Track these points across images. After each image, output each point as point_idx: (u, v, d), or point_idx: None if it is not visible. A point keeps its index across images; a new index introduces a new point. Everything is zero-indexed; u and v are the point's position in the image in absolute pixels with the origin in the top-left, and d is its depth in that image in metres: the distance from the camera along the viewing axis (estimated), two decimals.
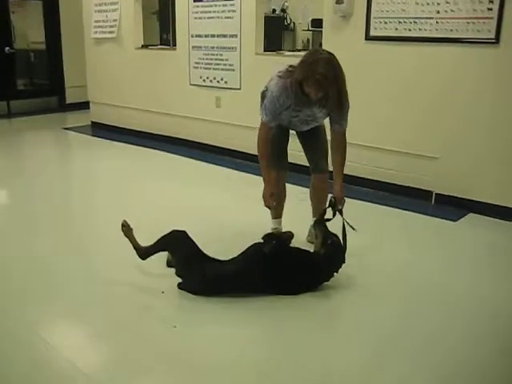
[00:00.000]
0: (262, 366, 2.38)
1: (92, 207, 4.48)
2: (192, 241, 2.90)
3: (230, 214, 4.27)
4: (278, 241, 3.02)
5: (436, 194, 4.72)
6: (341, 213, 3.11)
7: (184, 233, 2.90)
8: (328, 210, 3.14)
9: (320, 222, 3.07)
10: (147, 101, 7.09)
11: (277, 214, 3.54)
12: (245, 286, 2.86)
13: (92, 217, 4.26)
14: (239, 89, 6.01)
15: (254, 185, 5.10)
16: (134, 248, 2.99)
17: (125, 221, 3.05)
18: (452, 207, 4.56)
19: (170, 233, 2.91)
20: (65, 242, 3.68)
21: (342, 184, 3.21)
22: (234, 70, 5.98)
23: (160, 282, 3.01)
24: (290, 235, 3.47)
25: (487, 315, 2.85)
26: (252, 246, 2.97)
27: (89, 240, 3.77)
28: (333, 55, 2.93)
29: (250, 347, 2.53)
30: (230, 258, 2.95)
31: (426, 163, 4.69)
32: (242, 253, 2.95)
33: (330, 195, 3.26)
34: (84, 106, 8.38)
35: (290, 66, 3.08)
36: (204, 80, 6.32)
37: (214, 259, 2.91)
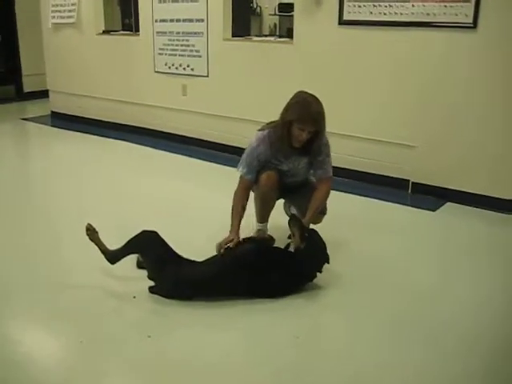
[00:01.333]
0: (243, 374, 2.21)
1: (52, 205, 4.18)
2: (164, 241, 2.69)
3: (203, 209, 4.05)
4: (258, 240, 2.85)
5: (413, 183, 4.61)
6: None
7: (155, 233, 2.69)
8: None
9: (294, 219, 2.91)
10: (110, 89, 6.77)
11: (263, 217, 3.30)
12: (222, 289, 2.67)
13: (52, 215, 3.95)
14: (207, 76, 5.77)
15: (224, 176, 4.94)
16: (102, 252, 2.76)
17: (89, 224, 2.81)
18: (429, 196, 4.46)
19: (140, 233, 2.69)
20: (23, 245, 3.41)
21: (310, 219, 3.08)
22: (200, 57, 5.73)
23: (130, 286, 2.80)
24: (270, 238, 3.29)
25: (479, 309, 2.74)
26: (228, 247, 2.79)
27: (49, 242, 3.49)
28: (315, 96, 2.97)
29: (231, 354, 2.35)
30: (206, 258, 2.75)
31: (403, 152, 4.57)
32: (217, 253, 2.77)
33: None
34: (43, 95, 7.98)
35: (270, 123, 3.13)
36: (169, 67, 6.05)
37: (188, 260, 2.71)
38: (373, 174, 4.74)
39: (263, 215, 3.29)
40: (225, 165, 5.26)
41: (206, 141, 5.91)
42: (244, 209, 3.08)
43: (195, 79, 5.87)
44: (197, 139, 6.01)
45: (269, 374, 2.22)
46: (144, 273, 2.82)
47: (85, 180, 4.81)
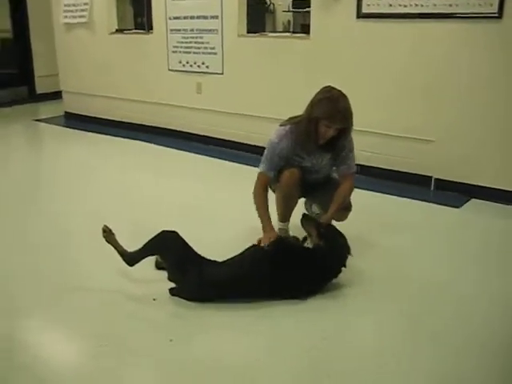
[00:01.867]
0: (268, 379, 2.11)
1: (66, 206, 4.08)
2: (184, 241, 2.60)
3: (223, 209, 3.95)
4: (279, 239, 2.75)
5: (435, 179, 4.48)
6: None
7: (175, 233, 2.60)
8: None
9: (307, 217, 2.86)
10: (123, 88, 6.69)
11: (285, 216, 3.18)
12: (245, 290, 2.56)
13: (66, 217, 3.84)
14: (221, 73, 5.67)
15: (244, 176, 4.84)
16: (120, 254, 2.67)
17: (105, 226, 2.72)
18: (453, 193, 4.34)
19: (160, 234, 2.60)
20: (38, 247, 3.33)
21: (332, 215, 2.99)
22: (215, 54, 5.64)
23: (150, 288, 2.71)
24: (294, 237, 3.18)
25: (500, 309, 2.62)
26: (252, 245, 2.69)
27: (65, 244, 3.40)
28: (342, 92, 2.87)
29: (256, 358, 2.24)
30: (227, 258, 2.66)
31: (423, 147, 4.44)
32: (240, 253, 2.67)
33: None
34: (56, 95, 7.94)
35: (292, 118, 3.03)
36: (184, 65, 5.96)
37: (210, 261, 2.62)
38: (393, 170, 4.62)
39: (285, 214, 3.18)
40: (242, 163, 5.18)
41: (222, 139, 5.82)
42: (268, 207, 2.99)
43: (210, 77, 5.78)
44: (212, 138, 5.92)
45: (297, 376, 2.12)
46: (163, 274, 2.73)
47: (99, 181, 4.74)
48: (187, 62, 5.92)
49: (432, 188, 4.50)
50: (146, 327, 2.43)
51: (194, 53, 5.82)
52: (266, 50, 5.29)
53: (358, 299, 2.70)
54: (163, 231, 2.59)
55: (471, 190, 4.29)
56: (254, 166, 5.04)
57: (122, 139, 6.25)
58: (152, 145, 5.96)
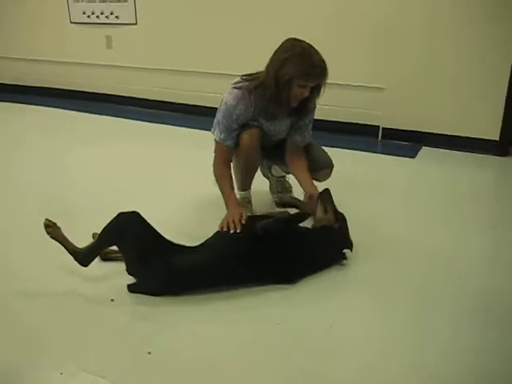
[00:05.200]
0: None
1: None
2: (148, 224, 2.09)
3: (177, 180, 3.41)
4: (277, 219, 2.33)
5: (383, 128, 4.22)
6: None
7: (135, 215, 2.08)
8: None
9: (326, 193, 2.40)
10: (16, 46, 5.81)
11: (246, 183, 2.76)
12: (227, 276, 2.13)
13: None
14: (135, 24, 5.02)
15: (177, 137, 4.35)
16: (70, 253, 2.13)
17: (48, 220, 2.16)
18: (402, 142, 4.12)
19: (116, 218, 2.06)
20: None
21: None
22: (126, 1, 4.96)
23: (105, 287, 2.18)
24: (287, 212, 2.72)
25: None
26: (217, 232, 2.25)
27: None
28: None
29: (245, 354, 1.83)
30: (201, 242, 2.20)
31: (371, 95, 4.15)
32: (216, 233, 2.23)
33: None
34: None
35: (244, 75, 2.55)
36: (89, 16, 5.22)
37: (180, 246, 2.14)
38: (337, 121, 4.29)
39: (246, 181, 2.76)
40: (167, 124, 4.68)
41: (140, 98, 5.22)
42: (231, 178, 2.56)
43: (121, 28, 5.10)
44: (128, 97, 5.30)
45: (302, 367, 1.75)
46: (116, 267, 2.23)
47: (10, 158, 3.99)
48: (93, 13, 5.19)
49: (379, 138, 4.24)
50: (112, 338, 1.94)
51: (100, 1, 5.10)
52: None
53: (346, 276, 2.35)
54: (120, 214, 2.06)
55: (420, 137, 4.09)
56: (178, 126, 4.65)
57: (20, 105, 5.43)
58: (57, 109, 5.22)
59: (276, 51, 2.43)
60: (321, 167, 2.73)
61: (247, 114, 2.52)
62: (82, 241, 2.21)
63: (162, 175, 3.51)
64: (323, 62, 2.36)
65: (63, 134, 4.51)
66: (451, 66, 3.84)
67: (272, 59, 2.42)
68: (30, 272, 2.35)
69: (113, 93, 5.37)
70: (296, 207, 2.49)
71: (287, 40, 2.43)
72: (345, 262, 2.36)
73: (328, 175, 2.77)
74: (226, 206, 2.47)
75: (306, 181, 2.61)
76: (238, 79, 2.57)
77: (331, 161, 2.76)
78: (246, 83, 2.52)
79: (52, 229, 2.13)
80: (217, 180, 2.56)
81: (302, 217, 2.32)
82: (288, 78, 2.34)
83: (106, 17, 5.11)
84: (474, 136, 3.91)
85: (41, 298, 2.16)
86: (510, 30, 3.59)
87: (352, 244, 2.37)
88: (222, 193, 2.53)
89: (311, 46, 2.39)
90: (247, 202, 2.79)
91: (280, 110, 2.51)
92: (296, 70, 2.33)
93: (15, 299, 2.15)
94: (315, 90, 2.45)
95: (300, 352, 1.85)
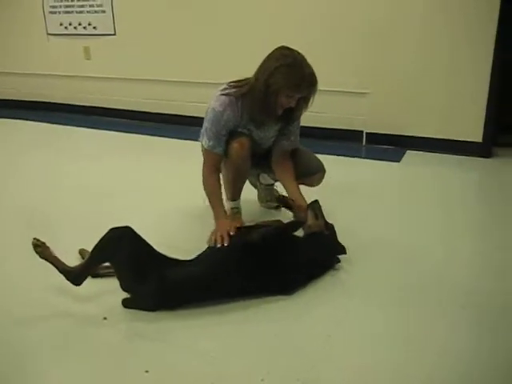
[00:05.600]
0: None
1: None
2: (141, 238, 2.05)
3: (162, 192, 3.35)
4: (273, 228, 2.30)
5: (367, 133, 4.23)
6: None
7: (128, 230, 2.03)
8: None
9: (316, 202, 2.41)
10: None
11: (236, 193, 2.73)
12: (220, 290, 2.09)
13: None
14: (113, 34, 4.97)
15: (153, 147, 4.31)
16: (61, 272, 2.06)
17: (36, 239, 2.09)
18: (386, 146, 4.14)
19: (108, 234, 2.02)
20: None
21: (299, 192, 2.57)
22: (104, 12, 4.91)
23: (96, 305, 2.13)
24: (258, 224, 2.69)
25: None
26: (208, 248, 2.21)
27: None
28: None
29: (243, 368, 1.80)
30: (196, 255, 2.16)
31: (354, 100, 4.16)
32: (210, 247, 2.19)
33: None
34: None
35: (231, 82, 2.51)
36: (66, 27, 5.16)
37: (175, 260, 2.10)
38: (320, 128, 4.28)
39: (236, 191, 2.73)
40: (147, 134, 4.63)
41: (119, 109, 5.17)
42: (221, 190, 2.52)
43: (100, 39, 5.05)
44: (107, 108, 5.24)
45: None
46: (105, 283, 2.19)
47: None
48: (70, 24, 5.12)
49: (364, 143, 4.25)
50: (107, 360, 1.89)
51: (78, 12, 5.04)
52: (165, 3, 4.67)
53: (349, 282, 2.33)
54: (112, 230, 2.01)
55: (404, 141, 4.11)
56: (159, 136, 4.60)
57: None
58: (36, 123, 5.14)
59: (266, 59, 2.39)
60: (313, 172, 2.71)
61: (235, 120, 2.49)
62: (67, 256, 2.16)
63: (147, 187, 3.45)
64: (313, 75, 2.33)
65: (40, 148, 4.42)
66: (433, 70, 3.87)
67: (262, 66, 2.40)
68: (18, 292, 2.28)
69: (91, 104, 5.30)
70: (290, 209, 2.48)
71: (279, 48, 2.39)
72: (338, 265, 2.35)
73: (321, 180, 2.75)
74: (215, 218, 2.44)
75: (293, 191, 2.58)
76: (224, 86, 2.53)
77: (323, 165, 2.74)
78: (234, 90, 2.49)
79: (41, 249, 2.07)
80: (205, 189, 2.52)
81: (298, 224, 2.31)
82: (276, 87, 2.32)
83: (84, 28, 5.05)
84: (458, 138, 3.95)
85: (30, 320, 2.09)
86: (488, 33, 3.63)
87: (344, 248, 2.35)
88: (211, 205, 2.49)
89: (303, 56, 2.36)
90: (237, 211, 2.76)
91: (267, 117, 2.49)
92: (285, 81, 2.30)
93: (1, 322, 2.08)
94: (303, 102, 2.42)
95: (301, 364, 1.82)
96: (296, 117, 2.58)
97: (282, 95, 2.34)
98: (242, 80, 2.51)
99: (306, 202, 2.49)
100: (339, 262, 2.35)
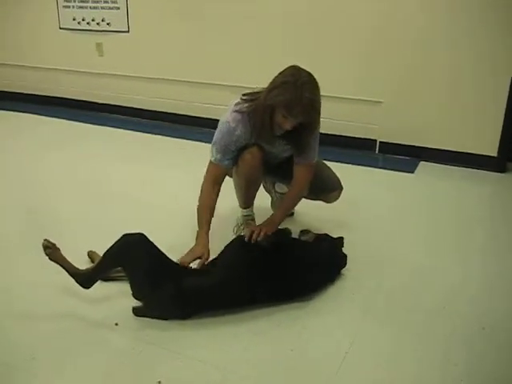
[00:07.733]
0: None
1: None
2: (154, 246, 2.01)
3: (175, 196, 3.27)
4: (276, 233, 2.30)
5: (380, 142, 4.18)
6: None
7: (141, 237, 1.99)
8: None
9: (305, 231, 2.52)
10: (3, 52, 5.66)
11: (249, 201, 2.68)
12: (235, 299, 2.05)
13: None
14: (127, 31, 4.92)
15: (163, 147, 4.26)
16: (71, 275, 2.02)
17: (47, 240, 2.04)
18: (399, 156, 4.08)
19: (121, 240, 1.97)
20: None
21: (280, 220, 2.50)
22: (118, 9, 4.86)
23: (108, 310, 2.08)
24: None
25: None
26: (236, 240, 2.20)
27: None
28: (313, 76, 2.24)
29: (259, 381, 1.76)
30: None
31: (368, 109, 4.11)
32: (223, 252, 2.15)
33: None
34: None
35: (245, 95, 2.41)
36: (79, 22, 5.11)
37: (189, 269, 2.06)
38: (333, 135, 4.23)
39: (248, 199, 2.68)
40: (159, 134, 4.59)
41: (131, 107, 5.12)
42: (213, 207, 2.38)
43: (113, 36, 4.99)
44: (119, 106, 5.19)
45: None
46: (119, 287, 2.15)
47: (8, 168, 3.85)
48: (83, 19, 5.07)
49: (377, 152, 4.20)
50: (118, 365, 1.84)
51: (92, 8, 4.99)
52: (179, 3, 4.62)
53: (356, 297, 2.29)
54: (125, 236, 1.97)
55: (418, 152, 4.06)
56: (172, 137, 4.56)
57: (9, 112, 5.29)
58: (47, 118, 5.09)
59: (277, 75, 2.29)
60: (330, 189, 2.66)
61: (247, 137, 2.40)
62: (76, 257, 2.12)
63: (159, 189, 3.41)
64: (313, 101, 2.19)
65: (50, 146, 4.38)
66: (449, 81, 3.81)
67: (271, 82, 2.30)
68: (27, 294, 2.23)
69: (103, 101, 5.25)
70: None
71: (291, 67, 2.27)
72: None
73: (337, 197, 2.70)
74: (196, 238, 2.28)
75: (275, 214, 2.53)
76: (238, 100, 2.42)
77: (340, 182, 2.68)
78: (246, 105, 2.39)
79: (51, 250, 2.02)
80: (198, 206, 2.38)
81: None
82: (271, 103, 2.22)
83: (98, 24, 5.00)
84: (472, 152, 3.89)
85: (38, 322, 2.05)
86: (509, 48, 3.57)
87: (346, 260, 2.38)
88: (198, 222, 2.33)
89: (310, 80, 2.22)
90: (251, 219, 2.71)
91: (268, 135, 2.37)
92: (281, 99, 2.18)
93: (10, 324, 2.04)
94: (305, 128, 2.32)
95: (317, 380, 1.78)
96: (304, 143, 2.44)
97: (278, 113, 2.23)
98: (255, 93, 2.41)
99: (278, 222, 2.45)
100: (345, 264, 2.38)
